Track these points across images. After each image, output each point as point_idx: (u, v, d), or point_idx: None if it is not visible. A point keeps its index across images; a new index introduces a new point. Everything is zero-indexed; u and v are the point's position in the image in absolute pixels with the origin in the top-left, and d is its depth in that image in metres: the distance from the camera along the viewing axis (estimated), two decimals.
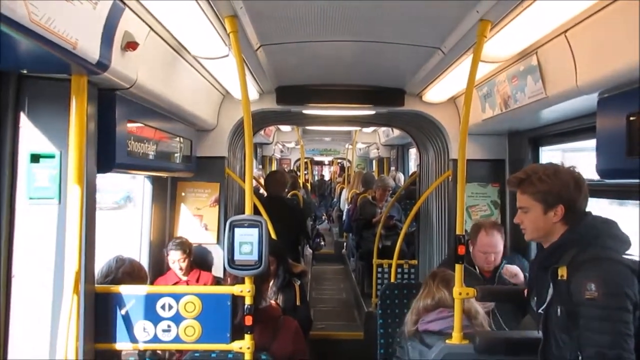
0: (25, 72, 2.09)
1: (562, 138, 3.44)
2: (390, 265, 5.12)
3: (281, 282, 3.71)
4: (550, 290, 1.99)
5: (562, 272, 1.95)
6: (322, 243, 8.73)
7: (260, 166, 10.55)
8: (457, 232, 2.54)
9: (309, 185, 12.34)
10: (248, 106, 2.53)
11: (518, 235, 3.97)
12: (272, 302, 3.14)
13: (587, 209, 2.12)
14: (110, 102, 2.42)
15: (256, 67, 3.43)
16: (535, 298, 2.16)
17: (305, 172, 13.03)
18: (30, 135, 2.17)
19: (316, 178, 18.25)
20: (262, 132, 8.13)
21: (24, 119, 2.17)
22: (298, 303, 3.79)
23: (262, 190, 7.13)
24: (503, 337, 2.59)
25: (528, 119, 3.31)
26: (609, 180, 2.41)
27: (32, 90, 2.16)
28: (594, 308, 1.84)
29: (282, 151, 12.90)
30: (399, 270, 5.49)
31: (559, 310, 1.95)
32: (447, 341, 2.53)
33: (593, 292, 1.84)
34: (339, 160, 16.08)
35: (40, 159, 2.17)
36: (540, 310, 2.09)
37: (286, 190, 6.32)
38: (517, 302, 3.06)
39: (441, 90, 3.88)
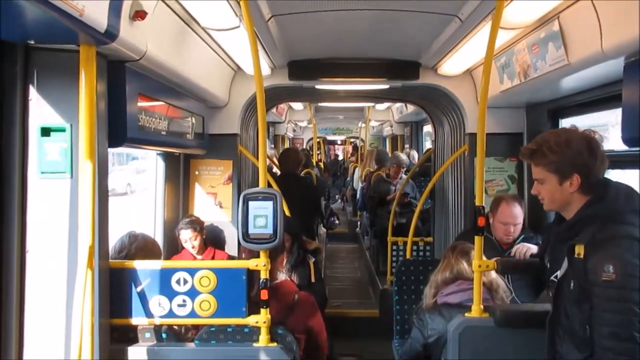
0: (32, 42, 2.04)
1: (584, 109, 3.34)
2: (405, 243, 5.08)
3: (295, 259, 3.69)
4: (564, 265, 1.95)
5: (579, 250, 1.88)
6: (337, 222, 8.72)
7: (273, 145, 10.50)
8: (477, 204, 2.48)
9: (322, 164, 12.28)
10: (260, 79, 2.46)
11: (536, 212, 3.92)
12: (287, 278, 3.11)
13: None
14: (120, 74, 2.37)
15: (268, 39, 3.36)
16: (548, 265, 2.10)
17: (318, 152, 12.97)
18: (40, 108, 2.13)
19: (329, 158, 18.18)
20: (274, 110, 8.06)
21: (33, 91, 2.13)
22: (313, 280, 3.77)
23: (275, 169, 7.11)
24: (523, 310, 2.55)
25: (548, 89, 3.22)
26: (636, 148, 2.32)
27: (41, 62, 2.12)
28: (610, 289, 1.79)
29: (294, 130, 12.83)
30: (414, 247, 5.45)
31: (572, 284, 1.91)
32: (466, 314, 2.50)
33: (610, 274, 1.78)
34: (352, 140, 15.98)
35: (51, 133, 2.14)
36: (552, 278, 2.05)
37: (300, 168, 6.26)
38: (537, 274, 3.02)
39: (457, 61, 3.78)
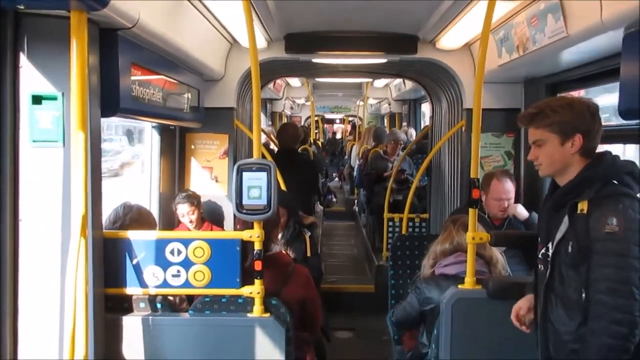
0: (22, 8, 2.00)
1: (582, 83, 3.32)
2: (401, 220, 5.09)
3: (291, 234, 3.69)
4: (563, 227, 1.95)
5: (583, 206, 1.90)
6: (334, 199, 8.70)
7: (270, 122, 10.44)
8: (472, 176, 2.48)
9: (319, 142, 12.22)
10: (255, 50, 2.43)
11: (532, 188, 3.92)
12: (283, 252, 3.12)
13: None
14: (113, 43, 2.33)
15: (264, 11, 3.31)
16: (539, 239, 2.10)
17: (316, 130, 12.86)
18: (30, 76, 2.10)
19: (327, 137, 18.08)
20: (271, 86, 7.99)
21: (23, 59, 2.09)
22: (309, 254, 3.78)
23: (272, 146, 7.08)
24: (515, 282, 2.56)
25: (547, 62, 3.18)
26: (632, 121, 2.31)
27: (31, 29, 2.08)
28: (612, 242, 1.80)
29: (292, 108, 12.74)
30: (410, 224, 5.47)
31: (570, 246, 1.92)
32: (459, 286, 2.51)
33: (614, 226, 1.80)
34: (350, 118, 15.90)
35: (43, 101, 2.11)
36: (544, 250, 2.05)
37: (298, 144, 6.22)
38: (530, 247, 3.05)
39: (456, 35, 3.74)
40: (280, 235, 3.57)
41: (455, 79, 4.26)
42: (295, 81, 9.23)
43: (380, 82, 9.28)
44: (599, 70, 2.95)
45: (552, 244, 2.00)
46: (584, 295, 1.87)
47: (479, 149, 2.56)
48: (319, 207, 8.68)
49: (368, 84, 9.48)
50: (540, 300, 2.06)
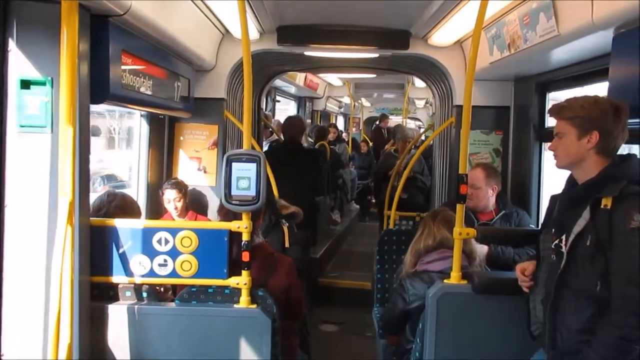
0: None
1: (572, 82, 3.34)
2: (402, 217, 5.04)
3: (267, 225, 3.65)
4: (582, 221, 1.97)
5: (607, 202, 1.93)
6: (373, 201, 8.55)
7: (310, 120, 10.11)
8: (460, 172, 2.49)
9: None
10: (247, 39, 2.41)
11: (519, 186, 3.95)
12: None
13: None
14: (104, 29, 2.32)
15: (257, 2, 3.29)
16: (553, 230, 2.11)
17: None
18: (19, 61, 2.08)
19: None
20: (300, 83, 7.88)
21: (12, 43, 2.07)
22: (286, 245, 3.75)
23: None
24: (500, 277, 2.58)
25: (537, 61, 3.21)
26: None
27: (20, 14, 2.06)
28: (635, 238, 1.83)
29: (340, 107, 12.05)
30: (411, 222, 5.45)
31: (589, 239, 1.94)
32: (445, 281, 2.52)
33: (638, 222, 1.83)
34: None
35: (31, 86, 2.09)
36: (557, 242, 2.06)
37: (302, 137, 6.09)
38: (516, 243, 3.07)
39: (448, 32, 3.75)
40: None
41: (446, 76, 4.27)
42: (336, 80, 8.98)
43: (420, 82, 8.92)
44: (588, 70, 2.97)
45: (568, 237, 2.01)
46: (598, 287, 1.90)
47: (467, 146, 2.57)
48: (354, 206, 8.67)
49: (409, 84, 9.04)
50: (550, 290, 2.07)
